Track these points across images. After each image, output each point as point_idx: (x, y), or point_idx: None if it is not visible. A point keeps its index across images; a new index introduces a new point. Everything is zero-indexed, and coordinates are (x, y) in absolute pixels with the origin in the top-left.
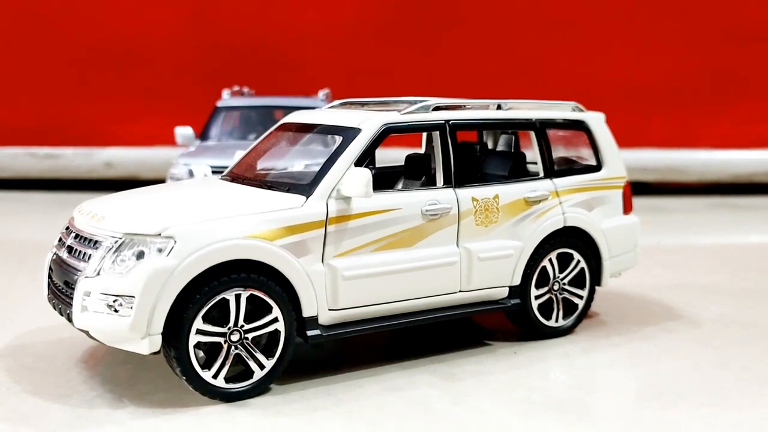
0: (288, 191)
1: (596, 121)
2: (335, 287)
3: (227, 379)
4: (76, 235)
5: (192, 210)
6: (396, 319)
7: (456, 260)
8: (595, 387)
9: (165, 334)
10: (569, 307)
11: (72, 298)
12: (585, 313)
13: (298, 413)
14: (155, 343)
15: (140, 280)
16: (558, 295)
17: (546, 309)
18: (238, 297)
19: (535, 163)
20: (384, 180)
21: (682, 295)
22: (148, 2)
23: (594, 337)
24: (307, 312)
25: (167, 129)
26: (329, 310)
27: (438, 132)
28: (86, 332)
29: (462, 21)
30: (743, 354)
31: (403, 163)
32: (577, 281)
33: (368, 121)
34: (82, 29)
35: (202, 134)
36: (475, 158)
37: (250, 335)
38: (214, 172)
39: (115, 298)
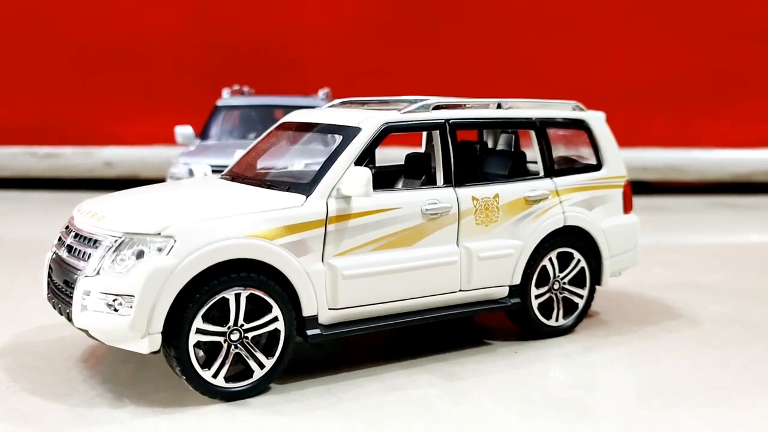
0: (288, 190)
1: (596, 120)
2: (335, 286)
3: (227, 379)
4: (76, 235)
5: (192, 209)
6: (396, 318)
7: (456, 259)
8: (595, 386)
9: (165, 333)
10: (569, 307)
11: (72, 298)
12: (585, 313)
13: (298, 412)
14: (155, 342)
15: (140, 279)
16: (558, 294)
17: (546, 308)
18: (237, 296)
19: (536, 163)
20: (384, 179)
21: (682, 295)
22: (148, 2)
23: (594, 337)
24: (306, 311)
25: (167, 128)
26: (329, 309)
27: (438, 131)
28: (86, 331)
29: (462, 20)
30: (743, 353)
31: (403, 163)
32: (577, 280)
33: (368, 120)
34: (82, 29)
35: (202, 133)
36: (475, 157)
37: (249, 334)
38: (214, 172)
39: (114, 297)
